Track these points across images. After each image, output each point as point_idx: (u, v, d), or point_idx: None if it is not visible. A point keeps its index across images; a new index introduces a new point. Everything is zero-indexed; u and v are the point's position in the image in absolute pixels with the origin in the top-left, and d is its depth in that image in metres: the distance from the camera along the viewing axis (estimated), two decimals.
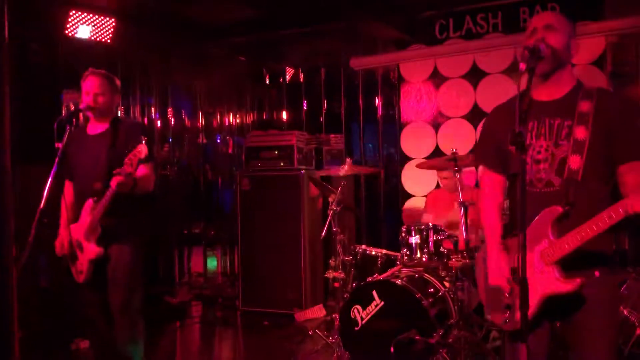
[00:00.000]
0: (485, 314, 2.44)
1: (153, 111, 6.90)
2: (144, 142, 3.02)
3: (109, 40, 5.26)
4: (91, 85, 3.36)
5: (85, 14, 5.02)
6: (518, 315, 2.11)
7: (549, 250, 2.12)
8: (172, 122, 7.05)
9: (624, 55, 5.19)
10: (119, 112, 6.32)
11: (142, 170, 3.23)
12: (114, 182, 3.07)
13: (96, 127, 3.45)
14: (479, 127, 5.54)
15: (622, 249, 4.95)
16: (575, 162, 2.14)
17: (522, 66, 2.04)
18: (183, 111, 7.25)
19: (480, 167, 2.52)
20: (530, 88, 2.02)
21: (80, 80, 3.43)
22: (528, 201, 2.02)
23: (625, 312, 4.05)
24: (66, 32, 4.87)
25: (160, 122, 6.92)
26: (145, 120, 6.80)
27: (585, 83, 2.31)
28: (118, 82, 3.51)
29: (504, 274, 2.23)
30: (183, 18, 5.91)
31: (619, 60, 5.16)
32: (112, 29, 5.24)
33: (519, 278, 1.90)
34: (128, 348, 3.38)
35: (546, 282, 2.12)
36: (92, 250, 3.29)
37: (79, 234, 3.36)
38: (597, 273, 2.12)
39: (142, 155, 3.00)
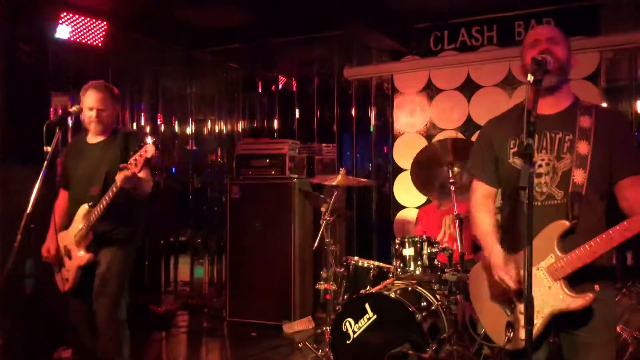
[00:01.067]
0: (485, 331, 2.38)
1: (143, 117, 6.82)
2: (151, 141, 2.99)
3: (99, 44, 5.17)
4: (93, 100, 3.35)
5: (77, 17, 4.94)
6: (520, 334, 2.09)
7: (556, 265, 2.09)
8: (162, 128, 6.97)
9: (618, 70, 5.22)
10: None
11: (142, 173, 3.18)
12: (119, 178, 3.03)
13: (96, 137, 3.45)
14: (473, 139, 5.53)
15: (619, 264, 4.96)
16: (579, 176, 2.14)
17: (530, 78, 2.02)
18: (173, 117, 7.18)
19: (474, 179, 2.48)
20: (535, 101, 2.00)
21: (80, 92, 3.41)
22: (532, 217, 1.98)
23: (618, 329, 4.03)
24: (56, 34, 4.79)
25: (150, 128, 6.83)
26: (135, 125, 6.71)
27: (580, 98, 2.32)
28: (117, 92, 3.50)
29: (509, 271, 2.17)
30: (176, 23, 5.86)
31: (613, 76, 5.19)
32: (103, 32, 5.15)
33: (525, 296, 1.86)
34: (113, 358, 3.31)
35: (555, 298, 2.10)
36: (81, 256, 3.26)
37: (68, 241, 3.34)
38: (596, 287, 2.09)
39: (149, 155, 2.96)
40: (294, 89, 7.00)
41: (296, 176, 5.64)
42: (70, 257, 3.35)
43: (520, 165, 2.12)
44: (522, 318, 2.08)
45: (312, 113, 6.78)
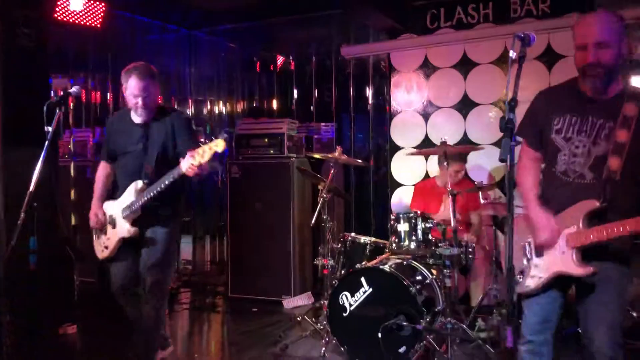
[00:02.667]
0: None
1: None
2: (225, 137, 3.03)
3: (98, 25, 5.21)
4: (137, 88, 3.38)
5: None
6: (527, 280, 2.42)
7: (575, 235, 2.31)
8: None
9: None
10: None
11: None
12: (185, 165, 3.10)
13: (142, 116, 3.48)
14: (469, 117, 5.58)
15: None
16: (614, 163, 2.29)
17: (514, 55, 2.06)
18: (172, 98, 7.23)
19: (523, 145, 2.63)
20: (520, 76, 2.06)
21: (123, 75, 3.44)
22: (561, 188, 2.39)
23: None
24: (55, 15, 4.83)
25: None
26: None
27: (629, 84, 2.45)
28: (156, 71, 3.52)
29: (553, 226, 2.37)
30: (174, 3, 5.87)
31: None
32: (102, 14, 5.19)
33: (508, 266, 1.95)
34: (153, 325, 3.49)
35: (563, 261, 2.34)
36: (127, 229, 3.40)
37: (114, 211, 3.48)
38: (594, 269, 2.29)
39: (220, 150, 3.02)
40: (292, 68, 7.03)
41: (295, 155, 5.71)
42: (114, 227, 3.48)
43: (562, 145, 2.39)
44: (532, 268, 2.44)
45: (310, 93, 6.82)
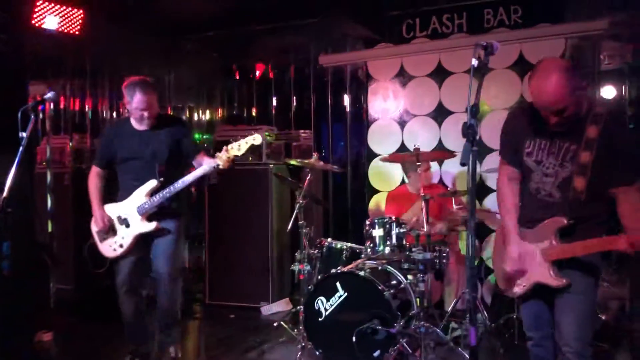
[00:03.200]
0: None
1: (122, 106, 6.86)
2: (261, 133, 3.54)
3: (77, 32, 5.22)
4: (142, 102, 3.66)
5: (53, 5, 4.98)
6: (515, 289, 2.69)
7: (550, 250, 2.54)
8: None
9: (582, 57, 5.38)
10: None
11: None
12: (222, 159, 3.54)
13: (145, 125, 3.78)
14: (444, 125, 5.68)
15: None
16: (579, 183, 2.48)
17: (475, 62, 2.14)
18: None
19: (502, 164, 2.84)
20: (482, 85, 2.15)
21: (125, 88, 3.72)
22: (534, 204, 2.63)
23: None
24: (33, 22, 4.83)
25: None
26: (114, 114, 6.76)
27: (594, 105, 2.55)
28: (154, 83, 3.83)
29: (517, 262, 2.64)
30: (153, 11, 5.89)
31: (578, 63, 5.35)
32: (80, 20, 5.20)
33: (470, 267, 2.03)
34: (175, 306, 3.92)
35: (540, 272, 2.57)
36: (146, 224, 3.71)
37: (123, 211, 3.77)
38: (567, 281, 2.54)
39: (257, 143, 3.50)
40: (271, 76, 7.09)
41: (273, 162, 5.75)
42: (128, 225, 3.76)
43: (533, 167, 2.59)
44: (517, 279, 2.67)
45: (289, 100, 6.88)
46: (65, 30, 5.11)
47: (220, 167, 3.56)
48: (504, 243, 2.73)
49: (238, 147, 3.49)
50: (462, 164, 1.93)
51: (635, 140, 2.74)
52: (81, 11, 5.18)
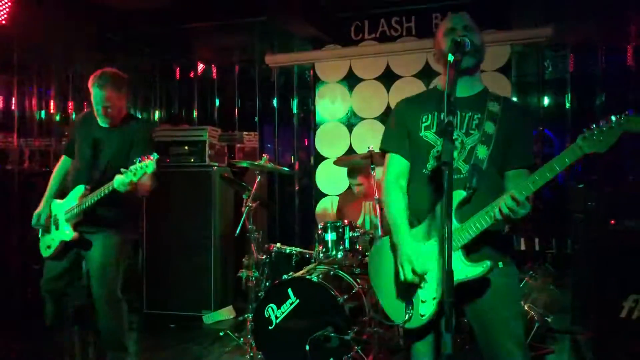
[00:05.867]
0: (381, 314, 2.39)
1: (52, 104, 6.44)
2: (155, 158, 3.07)
3: (3, 22, 4.84)
4: (98, 98, 3.42)
5: None
6: (420, 311, 2.22)
7: (454, 234, 2.12)
8: (73, 116, 6.62)
9: (527, 64, 5.50)
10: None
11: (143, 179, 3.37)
12: (116, 181, 3.15)
13: (105, 123, 3.54)
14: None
15: (529, 248, 5.23)
16: (482, 151, 2.25)
17: (450, 58, 2.07)
18: (85, 104, 6.83)
19: (387, 154, 2.48)
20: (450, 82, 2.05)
21: (88, 82, 3.47)
22: (431, 188, 2.23)
23: (526, 307, 4.26)
24: None
25: (60, 116, 6.47)
26: (43, 113, 6.33)
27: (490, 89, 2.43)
28: (124, 78, 3.52)
29: (418, 264, 2.20)
30: (87, 3, 5.56)
31: (523, 70, 5.46)
32: (7, 9, 4.83)
33: (446, 269, 1.88)
34: (116, 334, 3.58)
35: (455, 269, 2.03)
36: (67, 233, 3.42)
37: (59, 212, 3.50)
38: (500, 263, 2.21)
39: (150, 171, 3.09)
40: (214, 76, 6.86)
41: (216, 164, 5.53)
42: (57, 228, 3.50)
43: (433, 140, 2.29)
44: (422, 295, 2.21)
45: (233, 101, 6.68)
46: None
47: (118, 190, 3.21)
48: (392, 251, 2.34)
49: (134, 172, 3.10)
50: (444, 163, 1.82)
51: (530, 125, 2.62)
52: (8, 1, 4.81)
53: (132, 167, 3.10)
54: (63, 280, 3.60)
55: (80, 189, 3.42)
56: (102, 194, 3.28)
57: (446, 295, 1.89)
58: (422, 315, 2.22)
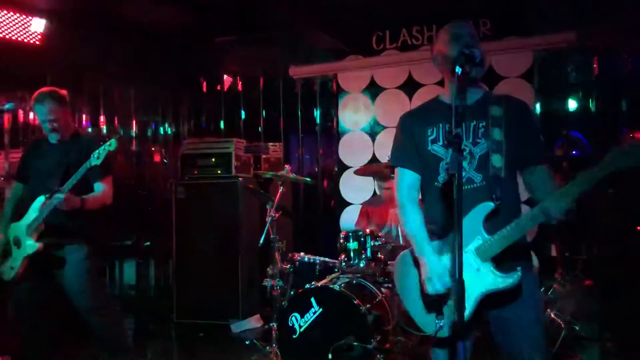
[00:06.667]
0: (409, 324, 2.37)
1: (84, 118, 6.65)
2: (117, 137, 3.23)
3: (37, 43, 5.04)
4: (41, 113, 3.48)
5: (12, 14, 4.80)
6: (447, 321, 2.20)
7: (484, 246, 2.16)
8: (104, 131, 6.82)
9: (551, 69, 5.45)
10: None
11: (101, 187, 3.51)
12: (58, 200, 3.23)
13: (55, 139, 3.58)
14: None
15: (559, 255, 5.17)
16: (497, 160, 2.24)
17: (459, 70, 2.09)
18: (116, 118, 7.03)
19: (397, 169, 2.48)
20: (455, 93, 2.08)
21: (30, 102, 3.56)
22: (445, 202, 2.20)
23: (552, 315, 4.22)
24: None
25: (92, 130, 6.67)
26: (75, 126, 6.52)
27: (491, 91, 2.47)
28: (63, 93, 3.59)
29: (444, 278, 2.20)
30: (118, 22, 5.75)
31: (546, 75, 5.42)
32: (41, 31, 5.03)
33: (457, 279, 1.92)
34: (115, 339, 3.57)
35: (485, 280, 2.16)
36: (30, 245, 3.34)
37: (19, 231, 3.44)
38: (519, 269, 2.18)
39: (113, 147, 3.21)
40: (240, 89, 6.99)
41: (242, 175, 5.63)
42: (19, 247, 3.41)
43: (442, 153, 2.31)
44: (452, 305, 2.17)
45: (257, 113, 6.79)
46: (25, 40, 4.93)
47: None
48: (416, 265, 2.33)
49: (97, 157, 3.22)
50: (451, 174, 1.86)
51: (534, 118, 2.62)
52: (43, 21, 5.01)
53: (95, 152, 3.20)
54: (36, 302, 3.48)
55: (40, 199, 3.39)
56: (52, 207, 3.28)
57: (457, 304, 1.93)
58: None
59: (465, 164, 2.25)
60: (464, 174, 2.23)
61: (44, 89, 3.55)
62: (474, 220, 2.19)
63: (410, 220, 2.38)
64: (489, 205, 2.18)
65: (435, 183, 2.37)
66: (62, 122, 3.53)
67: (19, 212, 3.53)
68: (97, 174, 3.46)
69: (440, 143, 2.34)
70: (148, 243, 6.82)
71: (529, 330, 2.28)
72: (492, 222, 2.18)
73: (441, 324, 2.23)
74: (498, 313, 2.30)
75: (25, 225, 3.40)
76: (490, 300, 2.18)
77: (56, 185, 3.33)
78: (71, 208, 3.29)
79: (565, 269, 5.07)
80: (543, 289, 4.60)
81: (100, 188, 3.51)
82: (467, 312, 2.15)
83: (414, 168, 2.43)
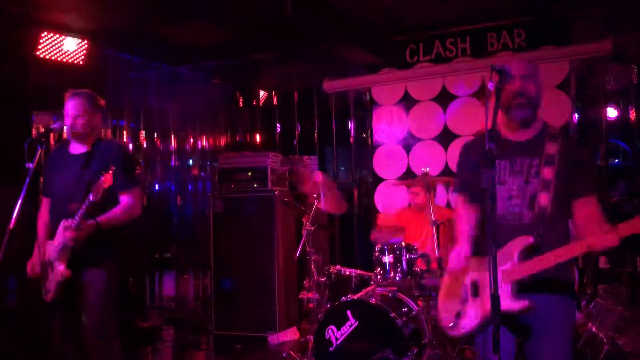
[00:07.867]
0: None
1: (125, 134, 6.85)
2: (111, 171, 2.99)
3: (81, 62, 5.24)
4: (70, 107, 3.33)
5: (58, 35, 5.00)
6: (463, 322, 2.39)
7: (510, 270, 2.30)
8: (145, 145, 7.01)
9: (588, 78, 5.38)
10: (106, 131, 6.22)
11: (124, 200, 3.29)
12: (73, 233, 3.08)
13: (78, 148, 3.40)
14: (450, 148, 5.65)
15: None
16: (544, 198, 2.33)
17: (491, 86, 2.12)
18: (155, 133, 7.22)
19: (459, 198, 2.66)
20: (498, 113, 2.13)
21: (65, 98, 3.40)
22: (501, 233, 2.24)
23: (593, 329, 4.14)
24: (38, 52, 4.85)
25: (132, 145, 6.86)
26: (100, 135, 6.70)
27: (548, 122, 2.51)
28: (101, 102, 3.45)
29: (461, 261, 2.43)
30: (157, 40, 5.92)
31: (583, 84, 5.35)
32: (85, 51, 5.22)
33: (492, 294, 1.96)
34: None
35: (501, 298, 2.21)
36: (60, 271, 3.20)
37: (52, 253, 3.29)
38: (527, 302, 2.27)
39: (106, 186, 2.98)
40: (275, 103, 7.10)
41: (278, 188, 5.71)
42: (52, 270, 3.29)
43: (497, 190, 2.36)
44: (469, 310, 2.39)
45: (293, 126, 6.88)
46: (70, 61, 5.13)
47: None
48: (462, 273, 2.50)
49: (96, 193, 3.01)
50: (483, 189, 1.89)
51: (589, 154, 2.75)
52: (85, 41, 5.20)
53: (92, 187, 3.01)
54: (76, 327, 3.30)
55: (63, 224, 3.18)
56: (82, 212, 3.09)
57: (493, 316, 1.95)
58: (463, 327, 2.43)
59: (519, 202, 2.39)
60: (517, 210, 2.39)
61: (78, 89, 3.42)
62: (511, 248, 2.31)
63: (460, 232, 2.58)
64: (528, 239, 2.29)
65: (483, 209, 2.46)
66: (87, 124, 3.33)
67: (52, 228, 3.37)
68: (121, 185, 3.25)
69: (497, 180, 2.43)
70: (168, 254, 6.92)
71: (557, 351, 2.34)
72: (529, 255, 2.28)
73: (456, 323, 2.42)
74: (529, 344, 2.38)
75: (56, 249, 3.25)
76: (510, 319, 2.27)
77: (76, 208, 3.13)
78: (87, 235, 3.13)
79: (609, 281, 4.97)
80: (584, 303, 4.53)
81: (124, 201, 3.30)
82: (478, 322, 2.34)
83: (473, 200, 2.58)
